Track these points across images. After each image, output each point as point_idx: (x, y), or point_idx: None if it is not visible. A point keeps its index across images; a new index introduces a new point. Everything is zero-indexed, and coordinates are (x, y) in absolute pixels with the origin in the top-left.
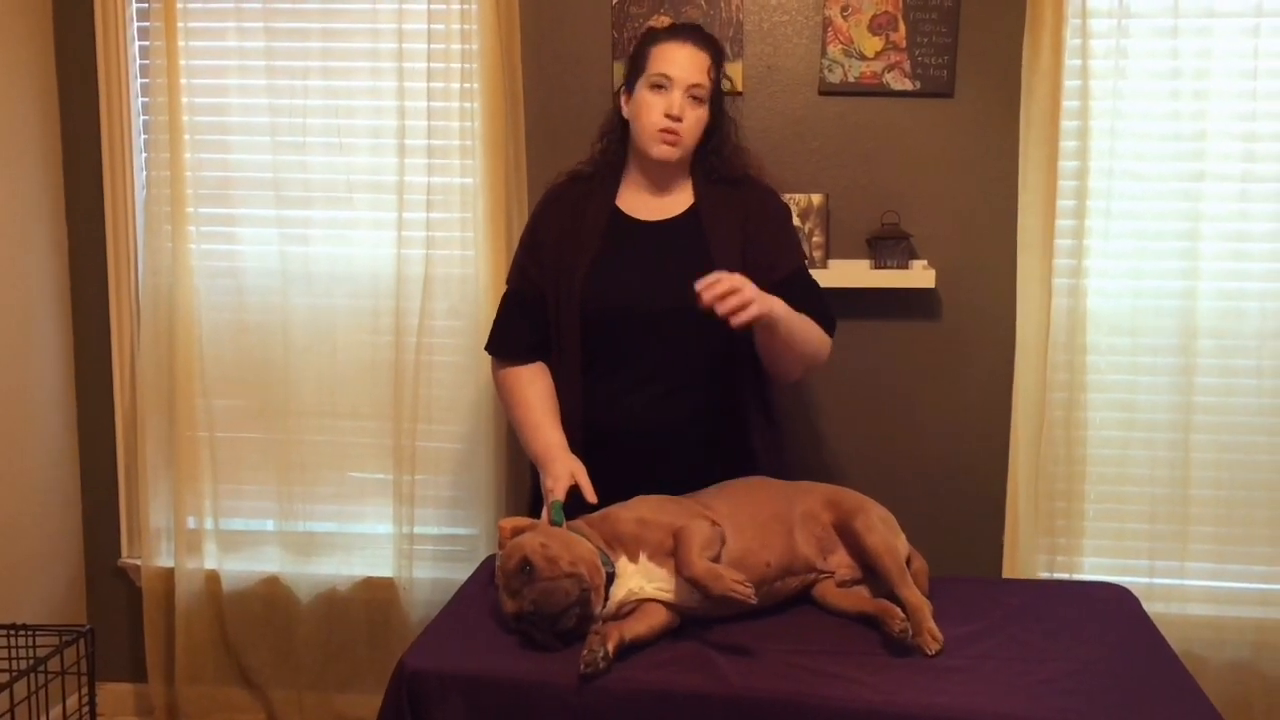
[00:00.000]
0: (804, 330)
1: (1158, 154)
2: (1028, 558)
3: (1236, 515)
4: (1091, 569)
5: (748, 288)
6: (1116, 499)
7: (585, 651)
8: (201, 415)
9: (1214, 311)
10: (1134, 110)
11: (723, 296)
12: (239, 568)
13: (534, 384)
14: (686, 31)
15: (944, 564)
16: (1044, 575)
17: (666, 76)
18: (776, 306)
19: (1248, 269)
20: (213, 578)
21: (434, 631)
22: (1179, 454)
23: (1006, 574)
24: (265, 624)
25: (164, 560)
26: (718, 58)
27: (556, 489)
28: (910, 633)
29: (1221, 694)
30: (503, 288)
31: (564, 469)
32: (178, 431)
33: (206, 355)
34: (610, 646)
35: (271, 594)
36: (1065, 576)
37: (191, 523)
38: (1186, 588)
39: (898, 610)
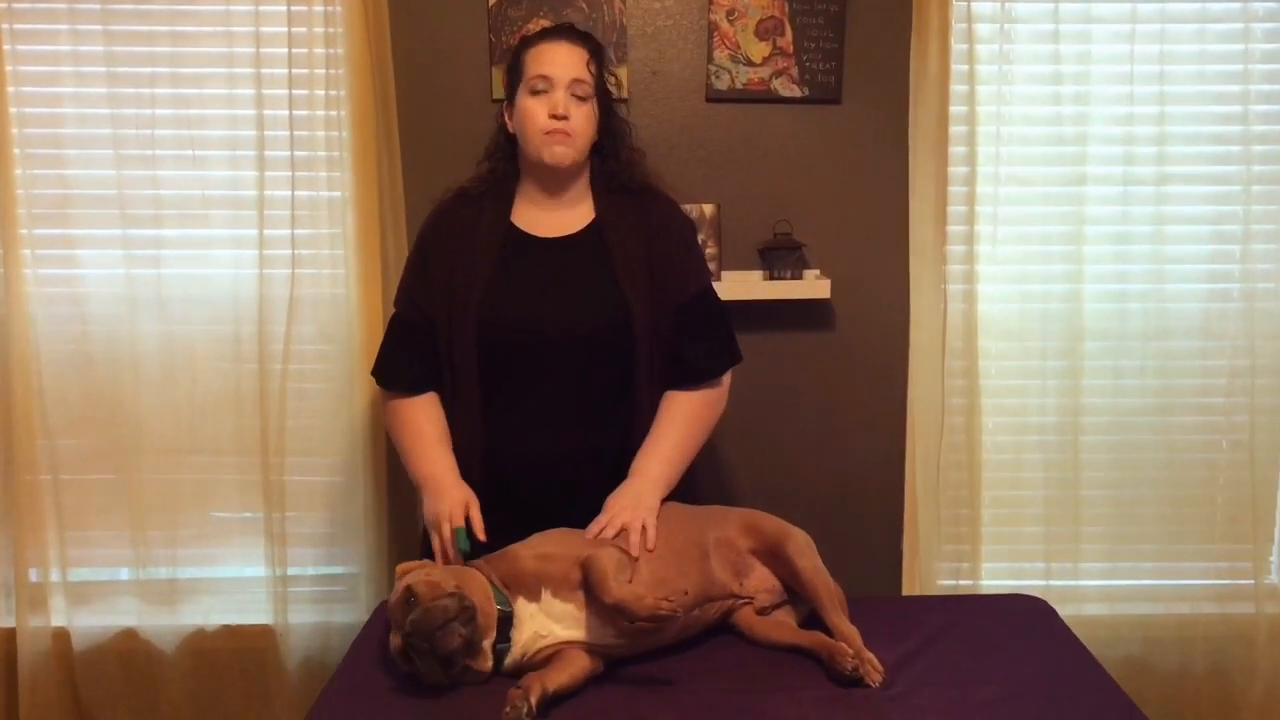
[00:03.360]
0: (695, 439)
1: (1041, 157)
2: (928, 567)
3: (1125, 514)
4: (990, 574)
5: (622, 516)
6: (1012, 503)
7: (508, 708)
8: (44, 457)
9: (1098, 313)
10: (1018, 114)
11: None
12: (91, 622)
13: (425, 410)
14: (559, 30)
15: (843, 578)
16: (946, 583)
17: (545, 77)
18: (657, 489)
19: (1129, 270)
20: (61, 636)
21: (332, 695)
22: (1069, 456)
23: (907, 585)
24: (123, 683)
25: (3, 620)
26: (596, 53)
27: (454, 515)
28: (860, 669)
29: None
30: (377, 307)
31: (459, 496)
32: (15, 476)
33: (47, 391)
34: (533, 700)
35: (129, 649)
36: (968, 584)
37: (34, 575)
38: (1081, 588)
39: (844, 647)
